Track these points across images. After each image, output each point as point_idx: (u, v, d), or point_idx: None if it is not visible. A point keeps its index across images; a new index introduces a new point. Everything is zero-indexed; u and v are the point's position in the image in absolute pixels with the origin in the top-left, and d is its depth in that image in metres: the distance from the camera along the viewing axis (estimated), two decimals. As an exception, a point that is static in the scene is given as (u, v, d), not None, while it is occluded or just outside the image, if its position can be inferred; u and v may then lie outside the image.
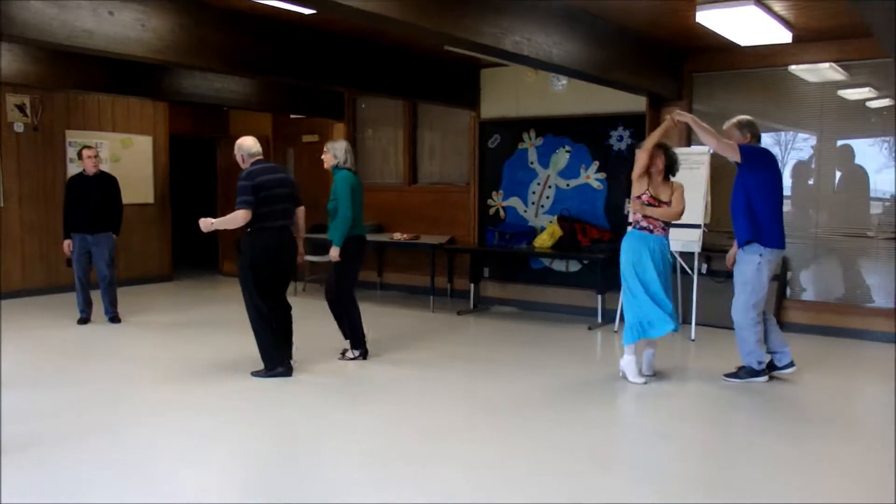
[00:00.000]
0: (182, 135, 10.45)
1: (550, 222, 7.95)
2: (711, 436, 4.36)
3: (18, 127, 8.59)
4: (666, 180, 5.25)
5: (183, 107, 9.83)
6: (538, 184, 8.22)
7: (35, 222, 8.69)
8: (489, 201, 8.57)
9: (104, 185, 7.16)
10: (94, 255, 7.09)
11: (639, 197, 5.20)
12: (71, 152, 8.81)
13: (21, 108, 8.59)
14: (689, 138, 7.30)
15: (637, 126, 7.52)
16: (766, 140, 6.43)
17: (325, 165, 5.69)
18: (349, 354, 5.73)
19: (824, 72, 6.79)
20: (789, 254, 6.75)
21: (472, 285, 8.26)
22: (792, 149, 7.08)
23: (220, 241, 10.62)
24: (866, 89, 6.75)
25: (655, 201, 5.20)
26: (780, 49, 6.60)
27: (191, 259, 11.37)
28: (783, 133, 7.11)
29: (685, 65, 7.27)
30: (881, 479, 3.62)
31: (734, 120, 5.23)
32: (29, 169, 8.68)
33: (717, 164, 6.80)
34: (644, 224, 5.20)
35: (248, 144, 5.26)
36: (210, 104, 8.62)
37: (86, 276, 7.12)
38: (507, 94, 8.32)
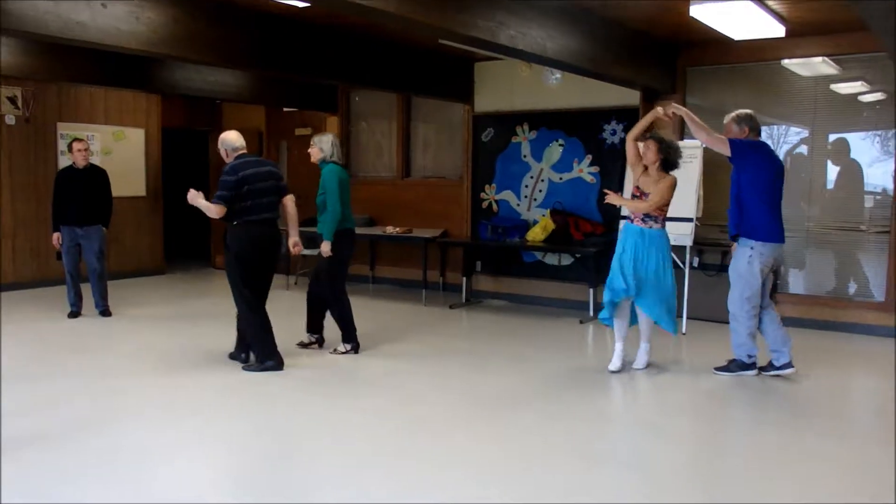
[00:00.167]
0: (175, 127, 10.41)
1: (543, 216, 7.96)
2: (703, 429, 4.39)
3: (10, 119, 8.54)
4: (663, 172, 5.25)
5: (175, 99, 9.79)
6: (531, 177, 8.22)
7: (26, 215, 8.64)
8: (482, 195, 8.57)
9: (94, 178, 7.13)
10: (84, 248, 7.07)
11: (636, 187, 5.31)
12: (62, 145, 8.76)
13: (13, 100, 8.54)
14: (682, 132, 7.31)
15: (631, 120, 7.51)
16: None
17: (313, 159, 5.67)
18: (340, 348, 5.73)
19: (817, 66, 6.81)
20: (781, 248, 6.77)
21: (465, 279, 8.26)
22: (784, 143, 7.10)
23: (213, 235, 10.59)
24: (859, 83, 6.78)
25: (639, 193, 5.24)
26: (773, 43, 6.61)
27: (183, 252, 11.34)
28: (776, 127, 7.13)
29: (679, 59, 7.28)
30: (872, 473, 3.65)
31: (733, 114, 5.24)
32: (20, 162, 8.63)
33: (710, 158, 6.81)
34: (625, 214, 5.28)
35: (231, 139, 5.25)
36: (203, 97, 8.59)
37: (75, 269, 7.09)
38: (501, 88, 8.32)
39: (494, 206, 8.49)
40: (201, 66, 7.53)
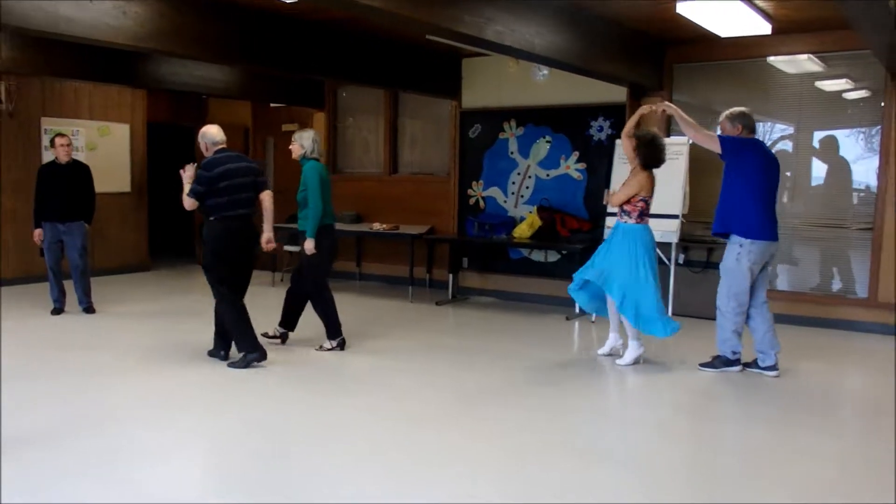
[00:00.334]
0: (160, 123, 10.34)
1: (530, 212, 7.97)
2: (692, 425, 4.40)
3: (-8, 114, 8.46)
4: (638, 168, 5.30)
5: (161, 94, 9.73)
6: (518, 174, 8.23)
7: (9, 211, 8.56)
8: (469, 191, 8.57)
9: (76, 173, 7.07)
10: (66, 244, 7.01)
11: None
12: (46, 140, 8.68)
13: (-5, 94, 8.45)
14: (668, 129, 7.35)
15: (617, 117, 7.55)
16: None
17: (294, 155, 5.68)
18: (326, 345, 5.72)
19: (803, 63, 6.85)
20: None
21: (451, 275, 8.26)
22: (770, 139, 7.14)
23: (198, 231, 10.53)
24: (844, 81, 6.82)
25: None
26: (759, 40, 6.64)
27: (168, 248, 11.27)
28: (762, 124, 7.16)
29: (666, 55, 7.30)
30: (865, 469, 3.68)
31: (727, 112, 5.24)
32: (3, 156, 8.53)
33: (696, 156, 6.85)
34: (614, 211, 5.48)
35: (212, 133, 5.27)
36: (189, 92, 8.53)
37: (58, 265, 7.03)
38: (489, 84, 8.32)
39: (481, 203, 8.49)
40: (187, 61, 7.48)
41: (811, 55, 6.74)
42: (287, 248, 8.79)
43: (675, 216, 6.66)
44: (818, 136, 6.97)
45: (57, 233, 6.97)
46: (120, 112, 9.64)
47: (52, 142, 7.12)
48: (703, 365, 5.32)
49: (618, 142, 7.18)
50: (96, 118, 9.38)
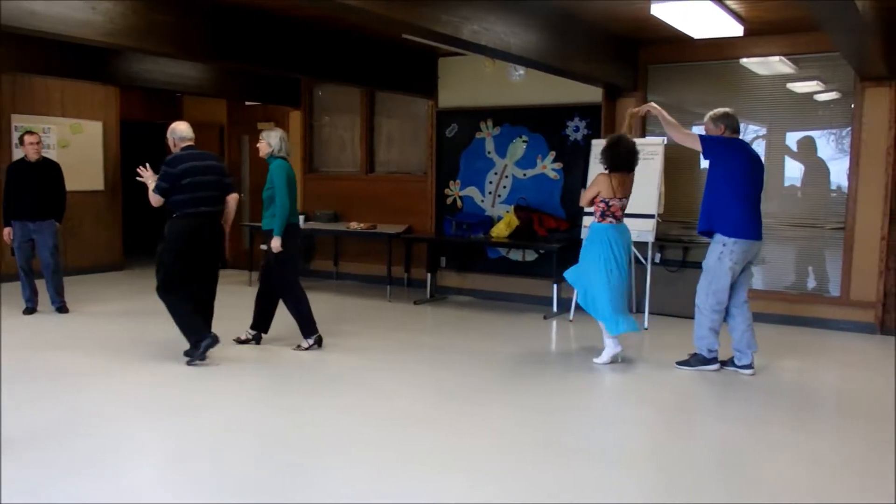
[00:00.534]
0: (133, 120, 10.23)
1: (507, 212, 7.98)
2: (666, 423, 4.43)
3: (-39, 110, 8.32)
4: (608, 171, 5.40)
5: (134, 92, 9.62)
6: (495, 173, 8.24)
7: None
8: (447, 191, 8.57)
9: (46, 171, 6.98)
10: (37, 243, 6.91)
11: None
12: (16, 137, 8.54)
13: (-37, 90, 8.31)
14: (643, 129, 7.40)
15: (593, 117, 7.59)
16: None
17: (261, 154, 5.70)
18: (304, 344, 5.69)
19: (774, 65, 6.93)
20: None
21: (429, 275, 8.26)
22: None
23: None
24: (815, 82, 6.91)
25: None
26: (732, 42, 6.71)
27: (143, 247, 11.11)
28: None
29: (641, 56, 7.35)
30: (837, 465, 3.73)
31: (710, 112, 5.27)
32: (-28, 154, 8.40)
33: (671, 156, 6.90)
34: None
35: (181, 129, 5.32)
36: (163, 89, 8.44)
37: (28, 264, 6.93)
38: (465, 84, 8.32)
39: (459, 202, 8.49)
40: (160, 58, 7.40)
41: (783, 57, 6.83)
42: (263, 247, 8.71)
43: (651, 216, 6.71)
44: (792, 137, 7.05)
45: (27, 231, 6.87)
46: (92, 109, 9.52)
47: (21, 139, 7.01)
48: (680, 363, 5.36)
49: (594, 142, 7.22)
50: (68, 115, 9.26)
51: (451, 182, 8.52)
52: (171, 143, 5.34)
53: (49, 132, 8.93)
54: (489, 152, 8.27)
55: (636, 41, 7.19)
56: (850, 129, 6.69)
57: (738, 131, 5.25)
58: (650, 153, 6.77)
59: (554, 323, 7.09)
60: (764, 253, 7.07)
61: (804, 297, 6.97)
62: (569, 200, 7.75)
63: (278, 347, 5.77)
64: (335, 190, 9.40)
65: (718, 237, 5.14)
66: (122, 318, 6.95)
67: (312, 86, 9.58)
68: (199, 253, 5.27)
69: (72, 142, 9.27)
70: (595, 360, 5.48)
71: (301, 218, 9.01)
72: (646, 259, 6.87)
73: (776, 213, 6.98)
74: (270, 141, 5.62)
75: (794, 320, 6.89)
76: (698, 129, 6.94)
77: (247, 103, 9.99)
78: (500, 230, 7.81)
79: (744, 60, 7.00)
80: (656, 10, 5.35)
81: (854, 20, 4.38)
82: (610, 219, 5.40)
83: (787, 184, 7.10)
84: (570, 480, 3.43)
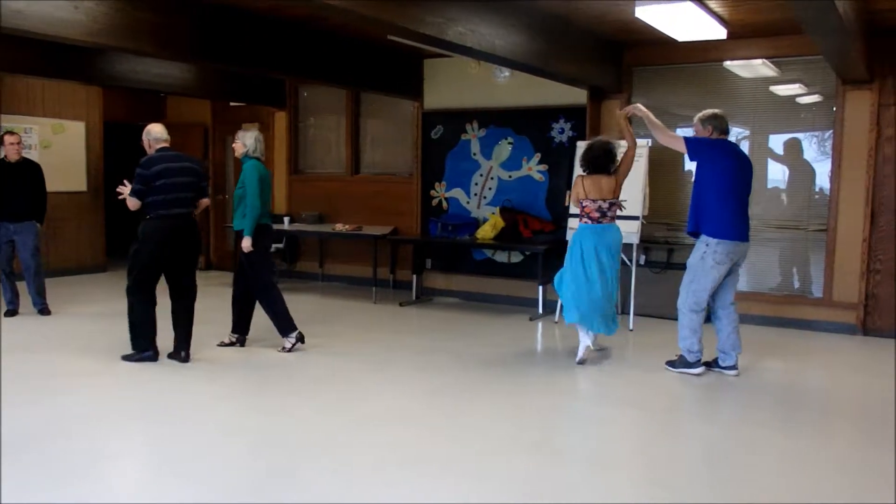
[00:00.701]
0: (117, 121, 10.16)
1: (493, 214, 7.99)
2: (650, 423, 4.45)
3: (-59, 110, 8.23)
4: (584, 174, 5.57)
5: (118, 92, 9.55)
6: (481, 175, 8.25)
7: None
8: (432, 192, 8.57)
9: (27, 172, 6.92)
10: (18, 244, 6.85)
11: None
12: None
13: (-56, 90, 8.22)
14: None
15: (578, 119, 7.61)
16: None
17: (236, 154, 5.73)
18: (287, 344, 5.67)
19: (757, 68, 6.98)
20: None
21: (415, 276, 8.25)
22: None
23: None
24: (797, 85, 6.97)
25: None
26: (715, 45, 6.76)
27: (125, 249, 11.03)
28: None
29: (625, 58, 7.39)
30: (821, 465, 3.76)
31: (699, 114, 5.29)
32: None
33: (656, 158, 6.94)
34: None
35: (156, 131, 5.35)
36: (146, 90, 8.39)
37: (9, 266, 6.86)
38: (451, 85, 8.32)
39: (444, 204, 8.49)
40: (144, 58, 7.35)
41: (765, 60, 6.88)
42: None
43: (636, 217, 6.73)
44: (775, 139, 7.10)
45: (7, 233, 6.80)
46: (75, 109, 9.44)
47: (0, 140, 6.94)
48: (668, 363, 5.36)
49: (579, 143, 7.24)
50: (50, 115, 9.18)
51: (437, 183, 8.52)
52: (146, 144, 5.36)
53: (31, 132, 8.85)
54: (475, 154, 8.27)
55: (621, 43, 7.22)
56: (831, 131, 6.75)
57: (726, 132, 5.25)
58: (635, 155, 6.78)
59: (539, 324, 7.10)
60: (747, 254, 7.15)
61: (788, 298, 7.03)
62: (554, 202, 7.77)
63: (262, 349, 5.75)
64: (321, 191, 9.38)
65: (703, 237, 5.16)
66: (106, 319, 6.89)
67: (298, 86, 9.55)
68: (175, 254, 5.29)
69: (54, 142, 9.20)
70: (577, 361, 5.50)
71: (286, 219, 9.07)
72: (630, 261, 6.90)
73: (760, 214, 7.02)
74: (245, 141, 5.64)
75: (778, 321, 6.94)
76: (683, 131, 7.01)
77: (231, 104, 9.95)
78: (485, 232, 7.82)
79: (727, 63, 7.05)
80: (641, 13, 5.38)
81: (836, 23, 4.43)
82: (585, 219, 5.53)
83: (770, 186, 7.15)
84: (553, 481, 3.44)
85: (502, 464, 3.61)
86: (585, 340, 5.53)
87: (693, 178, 5.32)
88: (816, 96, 6.88)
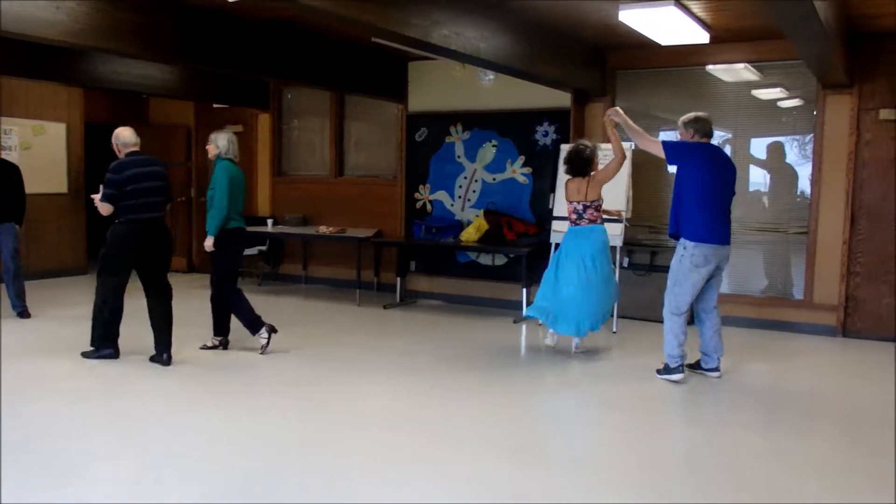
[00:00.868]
0: (98, 122, 10.06)
1: (477, 216, 8.00)
2: (632, 424, 4.46)
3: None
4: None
5: (100, 93, 9.47)
6: (465, 178, 8.26)
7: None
8: (416, 194, 8.56)
9: (5, 174, 6.85)
10: (-3, 246, 6.78)
11: (601, 196, 5.72)
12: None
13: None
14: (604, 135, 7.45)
15: (562, 122, 7.64)
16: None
17: (209, 156, 5.74)
18: (262, 341, 5.65)
19: (739, 72, 7.04)
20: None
21: (399, 279, 8.24)
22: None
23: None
24: (778, 90, 7.04)
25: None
26: (698, 49, 6.81)
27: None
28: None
29: (609, 62, 7.43)
30: (803, 463, 3.79)
31: (682, 117, 5.31)
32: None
33: (639, 161, 6.97)
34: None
35: (125, 135, 5.35)
36: (129, 91, 8.33)
37: (-11, 267, 6.80)
38: (435, 88, 8.33)
39: (428, 206, 8.49)
40: (126, 59, 7.29)
41: (747, 64, 6.94)
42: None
43: (620, 220, 6.76)
44: (756, 143, 7.17)
45: (-14, 234, 6.73)
46: (56, 111, 9.35)
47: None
48: (657, 371, 5.31)
49: (563, 147, 7.27)
50: (31, 117, 9.08)
51: (421, 186, 8.52)
52: (115, 149, 5.36)
53: (11, 134, 8.75)
54: (459, 157, 8.28)
55: (604, 47, 7.26)
56: (812, 135, 6.82)
57: (709, 135, 5.24)
58: (621, 162, 6.81)
59: (523, 327, 7.11)
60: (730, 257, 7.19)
61: (769, 300, 7.09)
62: (538, 205, 7.79)
63: (245, 351, 5.71)
64: (304, 193, 9.35)
65: (682, 240, 5.18)
66: (86, 322, 6.74)
67: (281, 88, 9.52)
68: (146, 258, 5.31)
69: (34, 144, 9.10)
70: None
71: (269, 221, 9.03)
72: (614, 263, 6.92)
73: (741, 218, 7.07)
74: (218, 143, 5.65)
75: (760, 323, 7.00)
76: (667, 135, 7.07)
77: (215, 105, 9.89)
78: (469, 234, 7.82)
79: (709, 67, 7.11)
80: (624, 17, 5.41)
81: (817, 29, 4.47)
82: (568, 222, 5.76)
83: (751, 189, 7.21)
84: (538, 482, 3.45)
85: (487, 465, 3.62)
86: (550, 339, 6.00)
87: (675, 182, 5.35)
88: (797, 100, 6.95)
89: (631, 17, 5.45)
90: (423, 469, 3.57)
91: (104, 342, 5.38)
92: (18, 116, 8.95)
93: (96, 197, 5.24)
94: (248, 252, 9.02)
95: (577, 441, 4.15)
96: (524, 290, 7.40)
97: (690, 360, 5.35)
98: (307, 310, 7.74)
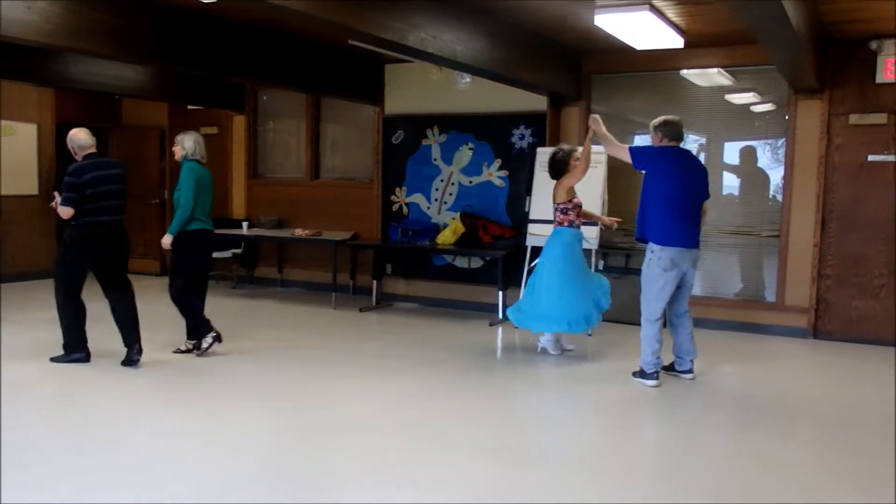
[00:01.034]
0: (70, 123, 9.88)
1: (453, 219, 8.01)
2: (607, 426, 4.49)
3: None
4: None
5: (71, 93, 9.34)
6: (441, 180, 8.26)
7: None
8: (393, 197, 8.55)
9: None
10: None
11: (571, 200, 5.71)
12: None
13: None
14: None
15: (538, 125, 7.67)
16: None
17: (176, 157, 5.71)
18: (182, 346, 5.66)
19: (713, 76, 7.13)
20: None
21: (375, 282, 8.22)
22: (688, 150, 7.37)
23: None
24: (751, 94, 7.13)
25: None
26: (672, 54, 6.87)
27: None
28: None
29: (585, 66, 7.47)
30: (775, 464, 3.83)
31: (653, 121, 5.33)
32: None
33: (614, 164, 7.01)
34: (578, 222, 5.78)
35: (81, 137, 5.31)
36: (101, 91, 8.22)
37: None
38: (412, 90, 8.32)
39: (405, 209, 8.48)
40: (99, 59, 7.21)
41: (721, 69, 7.02)
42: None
43: (595, 223, 6.79)
44: (729, 146, 7.25)
45: (-44, 238, 6.62)
46: (26, 111, 9.20)
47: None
48: (633, 373, 5.33)
49: (539, 150, 7.32)
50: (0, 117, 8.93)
51: (398, 189, 8.51)
52: (72, 151, 5.32)
53: (-21, 134, 8.61)
54: (435, 159, 8.28)
55: (580, 51, 7.30)
56: (784, 139, 6.91)
57: (678, 139, 5.26)
58: (594, 161, 6.85)
59: (499, 329, 7.13)
60: (702, 260, 7.26)
61: (742, 303, 7.17)
62: (514, 208, 7.82)
63: (219, 356, 5.66)
64: (280, 196, 9.30)
65: (649, 244, 5.21)
66: (57, 326, 6.70)
67: (257, 90, 9.46)
68: (103, 259, 5.29)
69: (3, 145, 8.95)
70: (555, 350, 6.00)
71: (245, 224, 8.97)
72: (590, 266, 6.96)
73: (714, 221, 7.15)
74: (185, 144, 5.63)
75: (733, 325, 7.07)
76: (642, 138, 7.13)
77: (189, 107, 9.80)
78: (445, 237, 7.82)
79: (684, 71, 7.18)
80: (600, 21, 5.45)
81: (789, 35, 4.54)
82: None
83: (724, 192, 7.29)
84: (515, 484, 3.45)
85: (467, 467, 3.62)
86: (542, 341, 6.04)
87: (642, 186, 5.37)
88: (770, 105, 7.05)
89: (606, 22, 5.49)
90: (401, 472, 3.56)
91: (74, 346, 5.33)
92: (-13, 117, 8.80)
93: (56, 202, 5.20)
94: (222, 255, 8.97)
95: (556, 442, 4.16)
96: (500, 293, 7.41)
97: (665, 362, 5.38)
98: (283, 313, 7.70)
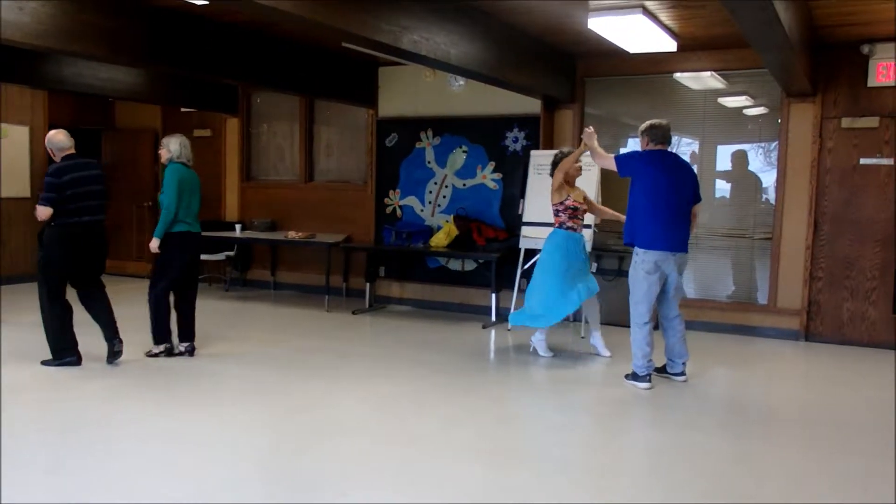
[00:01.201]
0: (63, 125, 9.86)
1: (447, 221, 8.00)
2: (598, 428, 4.50)
3: None
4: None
5: (64, 96, 9.32)
6: (435, 183, 8.26)
7: None
8: (386, 200, 8.55)
9: None
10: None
11: (562, 202, 5.74)
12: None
13: None
14: (579, 141, 7.51)
15: (532, 128, 7.68)
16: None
17: (162, 160, 5.73)
18: (153, 350, 5.62)
19: (706, 80, 7.15)
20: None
21: (368, 284, 8.22)
22: (676, 153, 7.39)
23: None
24: (744, 97, 7.15)
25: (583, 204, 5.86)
26: (665, 57, 6.90)
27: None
28: (668, 138, 7.42)
29: (578, 69, 7.49)
30: (766, 466, 3.84)
31: (641, 125, 5.34)
32: None
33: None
34: (570, 224, 5.77)
35: (59, 139, 5.31)
36: (94, 94, 8.20)
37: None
38: (405, 93, 8.33)
39: (398, 212, 8.48)
40: (92, 62, 7.19)
41: (714, 72, 7.05)
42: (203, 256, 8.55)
43: (588, 226, 6.80)
44: (722, 150, 7.27)
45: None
46: (19, 113, 9.18)
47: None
48: (625, 376, 5.34)
49: (533, 153, 7.33)
50: (-7, 120, 8.91)
51: (391, 191, 8.51)
52: (50, 152, 5.31)
53: (-29, 136, 8.58)
54: (429, 162, 8.28)
55: (574, 54, 7.32)
56: (777, 142, 6.94)
57: (665, 142, 5.26)
58: (588, 164, 6.87)
59: (492, 332, 7.13)
60: (695, 262, 7.29)
61: (735, 305, 7.19)
62: (508, 210, 7.82)
63: (211, 357, 5.65)
64: (273, 198, 9.29)
65: (636, 248, 5.23)
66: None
67: (250, 92, 9.45)
68: (81, 261, 5.26)
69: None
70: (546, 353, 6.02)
71: (238, 227, 8.96)
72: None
73: (707, 223, 7.18)
74: (170, 147, 5.64)
75: (725, 328, 7.09)
76: (635, 141, 7.14)
77: (182, 109, 9.79)
78: (439, 240, 7.82)
79: (677, 75, 7.20)
80: (593, 25, 5.46)
81: (780, 39, 4.56)
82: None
83: (717, 195, 7.31)
84: (506, 486, 3.45)
85: (458, 469, 3.61)
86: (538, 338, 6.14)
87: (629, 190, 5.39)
88: (762, 108, 7.08)
89: (600, 25, 5.51)
90: (392, 473, 3.56)
91: (65, 350, 5.29)
92: (-21, 119, 8.77)
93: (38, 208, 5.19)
94: (214, 258, 8.96)
95: (547, 444, 4.16)
96: (493, 296, 7.41)
97: (657, 363, 5.39)
98: (275, 315, 7.68)
